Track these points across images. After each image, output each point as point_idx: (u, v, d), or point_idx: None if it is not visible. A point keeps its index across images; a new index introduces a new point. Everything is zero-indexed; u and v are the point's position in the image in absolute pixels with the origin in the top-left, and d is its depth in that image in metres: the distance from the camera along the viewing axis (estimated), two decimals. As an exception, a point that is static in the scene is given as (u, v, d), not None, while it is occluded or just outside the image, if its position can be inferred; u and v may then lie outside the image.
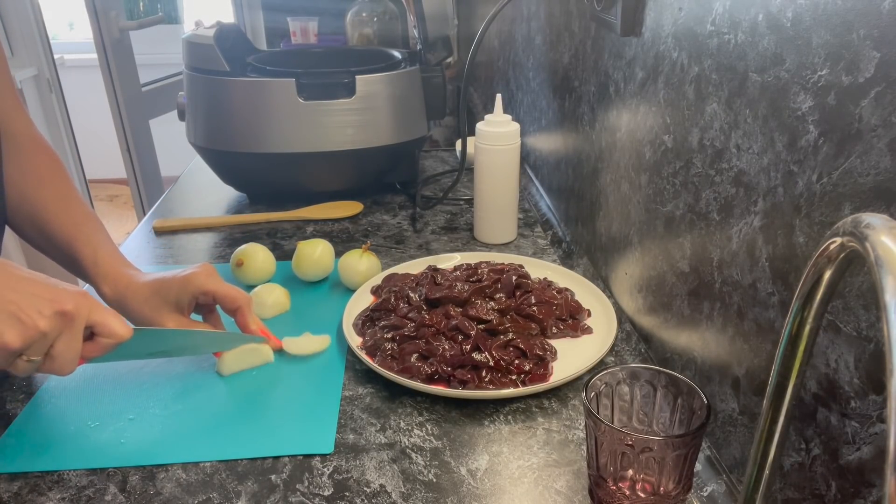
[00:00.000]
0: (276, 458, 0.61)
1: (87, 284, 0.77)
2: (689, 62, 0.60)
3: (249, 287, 0.87)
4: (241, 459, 0.61)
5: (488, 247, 1.02)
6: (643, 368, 0.55)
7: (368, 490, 0.57)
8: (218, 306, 0.74)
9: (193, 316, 0.74)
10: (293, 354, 0.75)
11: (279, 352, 0.76)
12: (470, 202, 1.18)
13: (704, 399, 0.51)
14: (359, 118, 1.09)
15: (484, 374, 0.68)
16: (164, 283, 0.71)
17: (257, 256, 0.90)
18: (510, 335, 0.73)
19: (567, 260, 0.97)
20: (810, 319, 0.34)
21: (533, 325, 0.76)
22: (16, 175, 0.74)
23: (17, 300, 0.52)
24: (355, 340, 0.75)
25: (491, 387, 0.67)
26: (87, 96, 3.35)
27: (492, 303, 0.78)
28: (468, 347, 0.70)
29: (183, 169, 1.39)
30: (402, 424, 0.65)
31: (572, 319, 0.78)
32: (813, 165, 0.43)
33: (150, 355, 0.70)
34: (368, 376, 0.72)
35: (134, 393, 0.70)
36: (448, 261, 0.93)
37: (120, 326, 0.59)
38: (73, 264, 0.74)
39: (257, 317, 0.75)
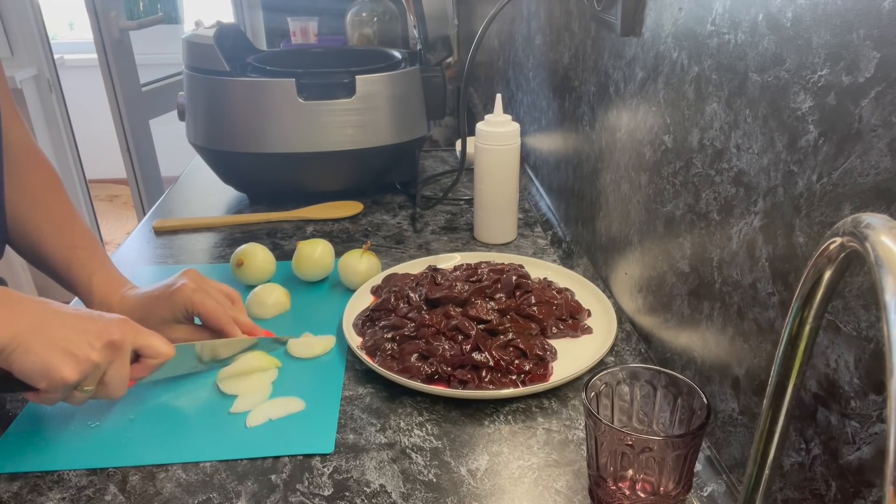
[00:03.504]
0: (276, 458, 0.61)
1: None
2: (689, 62, 0.60)
3: (249, 287, 0.87)
4: (241, 459, 0.61)
5: (488, 247, 1.02)
6: (643, 368, 0.55)
7: (368, 490, 0.57)
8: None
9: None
10: (297, 357, 0.75)
11: (280, 352, 0.76)
12: (470, 202, 1.18)
13: (704, 399, 0.51)
14: (359, 118, 1.09)
15: (484, 374, 0.68)
16: (153, 300, 0.71)
17: (257, 256, 0.90)
18: (510, 335, 0.73)
19: (567, 260, 0.97)
20: (810, 319, 0.34)
21: (533, 325, 0.76)
22: (11, 191, 0.73)
23: (68, 336, 0.55)
24: (355, 340, 0.75)
25: (491, 387, 0.67)
26: (87, 96, 3.35)
27: (492, 303, 0.78)
28: (468, 347, 0.70)
29: (183, 169, 1.39)
30: (402, 424, 0.65)
31: (572, 319, 0.78)
32: (813, 165, 0.43)
33: (193, 368, 0.72)
34: (368, 376, 0.72)
35: (134, 393, 0.70)
36: (448, 261, 0.93)
37: (163, 346, 0.62)
38: (69, 288, 0.75)
39: (251, 321, 0.76)
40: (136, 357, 0.62)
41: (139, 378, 0.63)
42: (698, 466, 0.58)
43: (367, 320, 0.79)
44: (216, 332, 0.73)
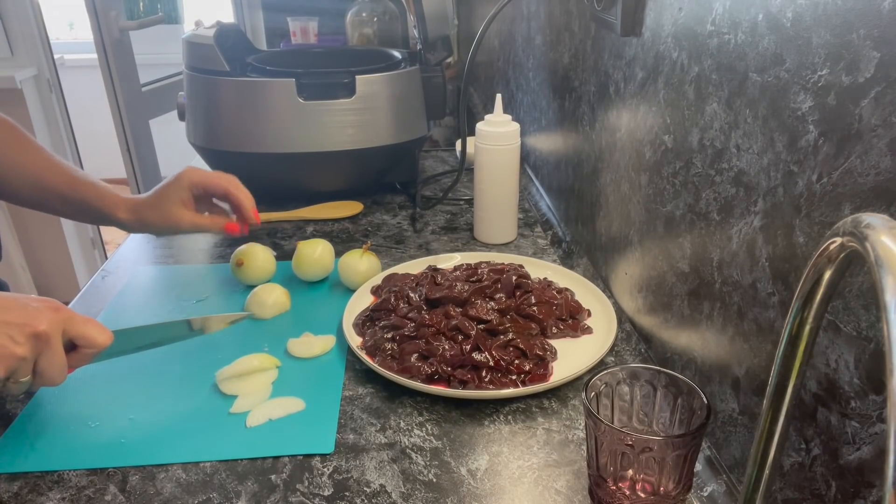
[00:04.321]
0: (276, 458, 0.61)
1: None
2: (689, 62, 0.60)
3: (249, 287, 0.87)
4: (241, 459, 0.61)
5: (488, 247, 1.02)
6: (643, 368, 0.55)
7: (368, 490, 0.57)
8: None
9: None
10: (297, 357, 0.75)
11: (280, 352, 0.76)
12: (470, 202, 1.18)
13: (704, 399, 0.51)
14: (359, 118, 1.09)
15: (484, 374, 0.68)
16: (163, 190, 0.83)
17: (257, 256, 0.90)
18: (510, 335, 0.73)
19: (567, 260, 0.97)
20: (810, 319, 0.34)
21: (533, 325, 0.76)
22: None
23: None
24: (355, 340, 0.75)
25: (491, 387, 0.67)
26: (87, 96, 3.34)
27: (492, 303, 0.78)
28: (468, 347, 0.70)
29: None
30: (402, 424, 0.65)
31: (572, 319, 0.78)
32: (813, 165, 0.43)
33: (139, 349, 0.69)
34: (368, 376, 0.72)
35: (134, 393, 0.70)
36: (448, 261, 0.93)
37: (99, 335, 0.59)
38: (77, 207, 0.82)
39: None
40: (74, 346, 0.59)
41: (77, 366, 0.61)
42: (698, 466, 0.58)
43: (367, 320, 0.79)
44: (223, 197, 0.85)
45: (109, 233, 3.47)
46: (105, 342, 0.60)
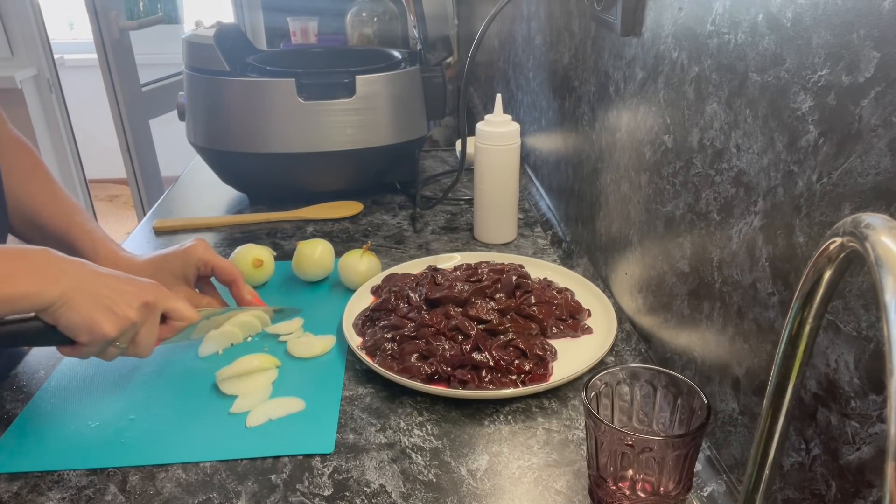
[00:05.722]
0: (276, 458, 0.61)
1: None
2: (689, 62, 0.60)
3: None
4: (241, 459, 0.61)
5: (488, 247, 1.02)
6: (643, 368, 0.55)
7: (368, 490, 0.57)
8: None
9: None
10: (297, 357, 0.75)
11: (280, 352, 0.76)
12: (470, 202, 1.18)
13: (704, 399, 0.51)
14: (359, 118, 1.09)
15: (484, 374, 0.68)
16: (166, 258, 0.76)
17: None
18: (510, 335, 0.73)
19: (567, 260, 0.97)
20: (810, 319, 0.34)
21: (533, 325, 0.76)
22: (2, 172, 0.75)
23: (110, 295, 0.59)
24: (355, 340, 0.75)
25: (491, 387, 0.67)
26: (87, 96, 3.34)
27: (492, 303, 0.78)
28: (468, 347, 0.70)
29: (183, 169, 1.39)
30: (402, 424, 0.65)
31: (572, 319, 0.78)
32: (813, 165, 0.43)
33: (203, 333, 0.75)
34: (368, 376, 0.72)
35: (134, 393, 0.70)
36: (448, 261, 0.93)
37: (189, 311, 0.67)
38: (69, 253, 0.75)
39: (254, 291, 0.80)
40: (163, 319, 0.65)
41: (165, 339, 0.66)
42: (698, 466, 0.58)
43: (367, 320, 0.79)
44: (227, 284, 0.78)
45: (109, 233, 3.47)
46: (193, 317, 0.67)
